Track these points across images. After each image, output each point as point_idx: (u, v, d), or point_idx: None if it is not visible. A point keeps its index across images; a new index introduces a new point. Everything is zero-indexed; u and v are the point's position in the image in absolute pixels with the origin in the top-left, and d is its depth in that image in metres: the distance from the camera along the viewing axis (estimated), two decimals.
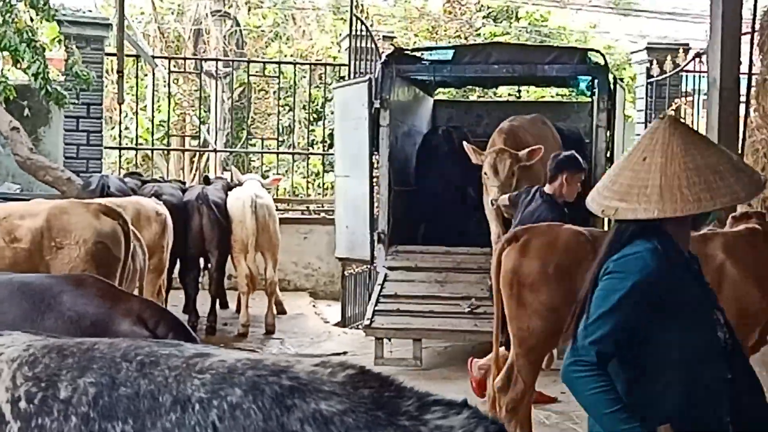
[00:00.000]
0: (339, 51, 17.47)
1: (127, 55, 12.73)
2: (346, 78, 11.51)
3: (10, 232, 6.42)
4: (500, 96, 17.19)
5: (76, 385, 1.89)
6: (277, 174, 14.36)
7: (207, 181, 10.65)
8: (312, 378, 1.80)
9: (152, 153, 14.42)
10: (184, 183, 11.14)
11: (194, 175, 16.70)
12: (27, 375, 1.97)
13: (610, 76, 9.79)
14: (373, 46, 11.12)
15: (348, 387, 1.78)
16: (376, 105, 9.51)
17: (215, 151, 14.87)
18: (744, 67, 9.06)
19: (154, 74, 15.47)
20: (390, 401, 1.76)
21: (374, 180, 9.84)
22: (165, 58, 15.34)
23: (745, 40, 9.08)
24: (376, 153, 9.72)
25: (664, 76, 13.31)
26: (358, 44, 10.91)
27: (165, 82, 15.48)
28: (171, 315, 3.93)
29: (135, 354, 1.94)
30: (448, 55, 10.00)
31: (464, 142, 8.87)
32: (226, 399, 1.79)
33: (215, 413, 1.78)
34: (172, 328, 3.65)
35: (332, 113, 13.94)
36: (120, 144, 13.50)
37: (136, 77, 14.34)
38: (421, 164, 10.84)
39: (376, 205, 9.79)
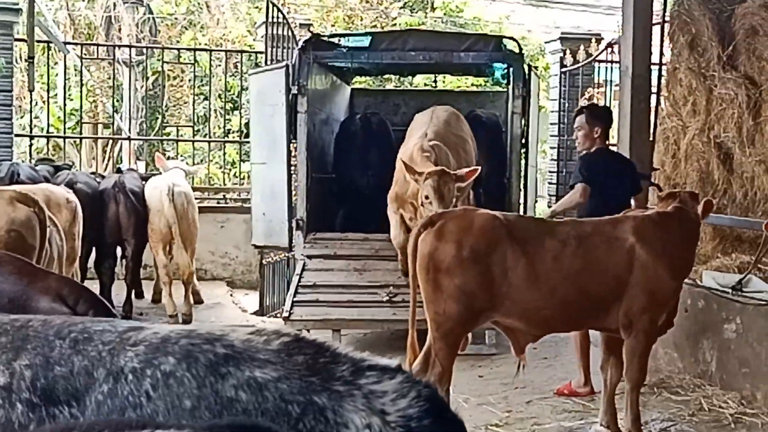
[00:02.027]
0: (255, 39, 17.34)
1: (38, 41, 12.46)
2: (263, 65, 11.45)
3: None
4: (417, 86, 17.30)
5: (13, 370, 1.86)
6: (193, 163, 14.23)
7: (119, 172, 10.51)
8: (247, 346, 1.80)
9: (64, 142, 14.13)
10: (102, 176, 10.92)
11: (107, 164, 16.43)
12: None
13: (525, 64, 9.92)
14: (290, 33, 11.06)
15: (283, 354, 1.79)
16: (294, 91, 9.46)
17: (129, 139, 14.62)
18: (655, 57, 9.27)
19: (65, 61, 15.15)
20: (325, 367, 1.77)
21: (292, 167, 9.80)
22: (77, 44, 15.03)
23: (656, 31, 9.29)
24: (293, 140, 9.67)
25: (577, 66, 13.52)
26: (275, 31, 10.84)
27: (77, 69, 15.19)
28: (90, 292, 3.88)
29: (69, 331, 1.91)
30: (365, 41, 10.00)
31: (401, 159, 8.39)
32: (160, 368, 1.78)
33: (148, 382, 1.77)
34: (93, 306, 3.60)
35: (248, 102, 13.85)
36: (31, 132, 13.20)
37: (47, 64, 14.04)
38: (339, 151, 10.85)
39: (293, 192, 9.75)
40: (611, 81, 13.47)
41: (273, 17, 10.69)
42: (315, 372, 1.75)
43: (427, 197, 7.82)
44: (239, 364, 1.76)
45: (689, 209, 6.19)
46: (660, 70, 9.38)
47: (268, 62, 10.74)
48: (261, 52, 12.60)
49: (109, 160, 16.67)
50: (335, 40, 10.26)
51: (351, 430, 1.70)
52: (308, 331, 8.76)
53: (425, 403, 1.74)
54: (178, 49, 15.37)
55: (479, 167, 8.27)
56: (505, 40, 10.21)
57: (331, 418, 1.70)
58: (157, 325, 1.91)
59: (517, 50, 9.96)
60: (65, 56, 14.57)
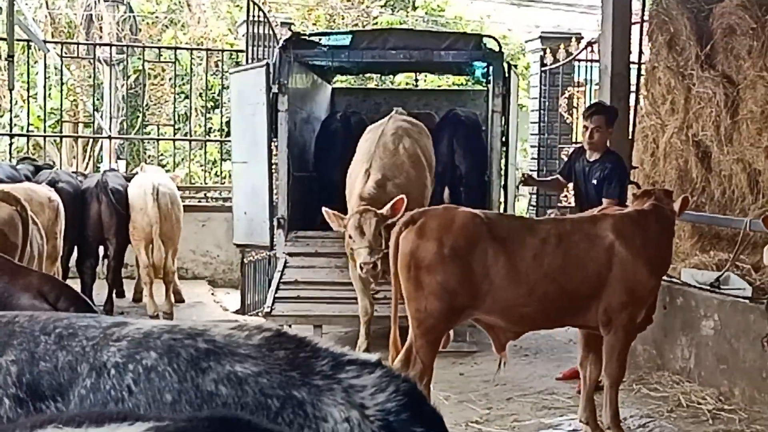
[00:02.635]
0: (235, 38, 17.33)
1: (17, 40, 12.40)
2: (244, 64, 11.44)
3: None
4: (398, 84, 17.34)
5: None
6: (174, 162, 14.22)
7: (101, 172, 10.49)
8: (228, 341, 1.83)
9: (45, 141, 14.07)
10: (84, 175, 10.90)
11: (87, 163, 16.39)
12: None
13: (505, 63, 9.96)
14: (271, 32, 11.06)
15: (264, 349, 1.81)
16: (274, 90, 9.45)
17: (110, 138, 14.58)
18: (634, 56, 9.34)
19: (45, 60, 15.10)
20: (305, 362, 1.80)
21: (273, 166, 9.80)
22: (58, 43, 14.98)
23: (635, 30, 9.35)
24: (274, 139, 9.67)
25: (557, 65, 13.58)
26: (256, 30, 10.84)
27: (56, 68, 15.13)
28: (71, 289, 3.89)
29: (54, 327, 1.93)
30: (346, 40, 10.01)
31: (324, 209, 8.09)
32: (142, 362, 1.80)
33: (130, 377, 1.79)
34: (73, 303, 3.61)
35: (229, 101, 13.83)
36: (11, 131, 13.14)
37: (27, 63, 13.98)
38: (320, 149, 10.86)
39: (275, 191, 9.76)
40: (591, 80, 13.54)
41: (254, 16, 10.68)
42: (295, 366, 1.78)
43: (350, 236, 7.88)
44: (220, 358, 1.78)
45: (665, 206, 6.25)
46: (639, 68, 9.45)
47: (249, 61, 10.74)
48: (242, 51, 12.59)
49: (89, 159, 16.63)
50: (316, 38, 10.25)
51: (330, 424, 1.72)
52: (290, 326, 8.80)
53: (403, 397, 1.77)
54: (159, 48, 15.32)
55: (404, 197, 7.91)
56: (485, 39, 10.23)
57: (310, 411, 1.73)
58: (141, 321, 1.94)
59: (497, 49, 9.99)
60: (45, 55, 14.51)
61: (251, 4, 10.57)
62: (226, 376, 1.75)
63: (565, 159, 9.19)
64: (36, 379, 1.85)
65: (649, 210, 6.20)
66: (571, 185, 8.00)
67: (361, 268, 7.79)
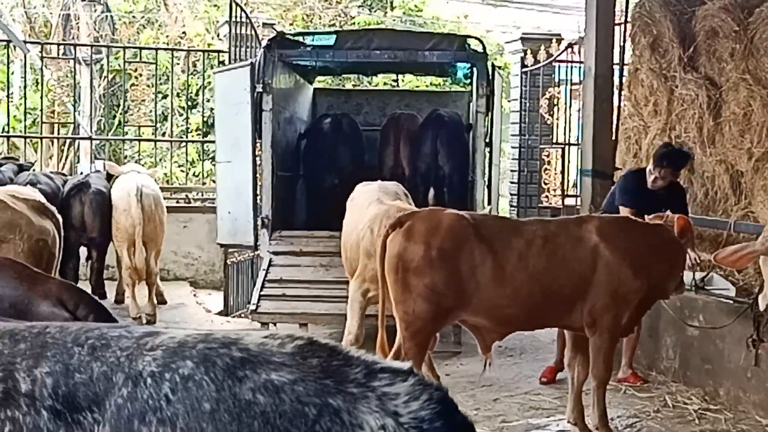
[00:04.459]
0: (213, 38, 17.27)
1: None
2: (225, 65, 11.42)
3: None
4: (377, 85, 17.36)
5: (34, 377, 1.87)
6: (156, 161, 14.16)
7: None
8: (262, 349, 1.83)
9: (25, 141, 13.98)
10: (65, 175, 10.82)
11: (64, 163, 16.28)
12: None
13: (489, 64, 10.00)
14: (253, 32, 11.06)
15: (297, 357, 1.81)
16: (259, 89, 9.45)
17: (90, 138, 14.49)
18: (617, 58, 9.40)
19: (26, 60, 14.98)
20: (338, 370, 1.80)
21: (257, 165, 9.79)
22: (37, 43, 14.88)
23: (618, 31, 9.42)
24: (258, 138, 9.67)
25: (538, 65, 13.63)
26: (238, 31, 10.83)
27: (33, 68, 15.03)
28: (90, 296, 3.88)
29: (86, 338, 1.92)
30: (330, 40, 10.01)
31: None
32: (178, 371, 1.80)
33: (167, 386, 1.79)
34: (93, 310, 3.60)
35: (208, 101, 13.81)
36: None
37: (8, 63, 13.87)
38: (310, 150, 10.89)
39: (258, 190, 9.75)
40: (569, 80, 13.61)
41: (236, 17, 10.67)
42: (329, 374, 1.78)
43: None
44: (255, 367, 1.78)
45: (670, 229, 6.26)
46: (621, 70, 9.52)
47: (232, 61, 10.72)
48: (222, 51, 12.58)
49: (66, 160, 16.52)
50: (300, 38, 10.24)
51: (366, 431, 1.73)
52: (275, 324, 8.79)
53: (437, 406, 1.78)
54: (140, 48, 15.25)
55: None
56: (469, 40, 10.27)
57: (347, 419, 1.73)
58: (173, 330, 1.93)
59: (480, 50, 10.02)
60: (26, 55, 14.41)
61: (233, 4, 10.56)
62: (263, 384, 1.75)
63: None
64: (72, 391, 1.84)
65: (644, 222, 6.28)
66: None
67: None
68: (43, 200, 8.17)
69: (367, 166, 10.78)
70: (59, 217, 6.88)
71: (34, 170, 10.52)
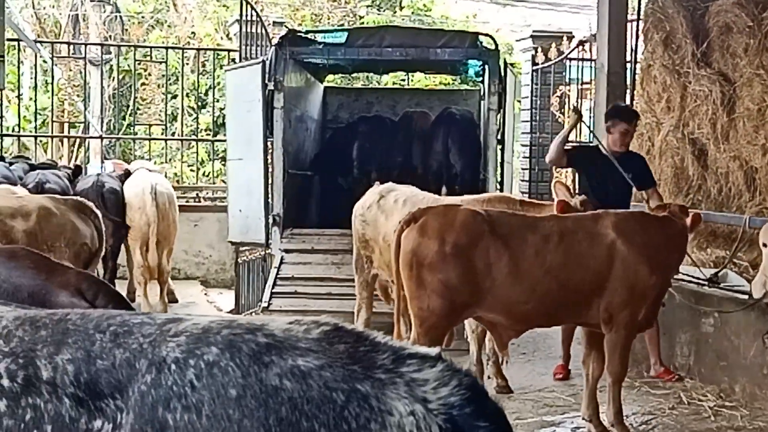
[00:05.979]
0: (222, 38, 17.28)
1: (8, 40, 12.30)
2: (235, 63, 11.41)
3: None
4: (385, 84, 17.32)
5: (55, 364, 1.84)
6: (166, 161, 14.15)
7: (78, 170, 10.42)
8: (287, 335, 1.80)
9: (36, 141, 13.98)
10: (78, 168, 10.82)
11: (74, 163, 16.26)
12: (3, 350, 1.92)
13: (501, 61, 9.96)
14: (264, 31, 11.04)
15: (324, 343, 1.79)
16: (270, 87, 9.44)
17: (101, 137, 14.49)
18: (629, 54, 9.36)
19: (37, 60, 15.00)
20: (366, 355, 1.77)
21: (268, 163, 9.78)
22: (48, 42, 14.88)
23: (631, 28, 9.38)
24: (269, 136, 9.65)
25: (549, 63, 13.57)
26: (249, 29, 10.81)
27: (43, 68, 15.04)
28: (109, 287, 3.87)
29: (108, 324, 1.90)
30: (342, 37, 9.99)
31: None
32: (203, 358, 1.77)
33: (192, 372, 1.76)
34: (111, 300, 3.58)
35: (217, 101, 13.80)
36: (0, 131, 13.03)
37: (18, 63, 13.89)
38: (331, 151, 10.93)
39: (270, 188, 9.74)
40: (579, 79, 13.55)
41: (247, 15, 10.66)
42: (356, 360, 1.75)
43: None
44: (282, 352, 1.76)
45: (677, 220, 6.24)
46: (634, 67, 9.46)
47: (242, 60, 10.71)
48: (232, 50, 12.55)
49: (75, 159, 16.52)
50: (311, 36, 10.22)
51: (395, 417, 1.70)
52: None
53: (466, 392, 1.75)
54: (151, 47, 15.24)
55: None
56: (481, 37, 10.23)
57: (375, 405, 1.70)
58: (197, 317, 1.90)
59: (492, 47, 9.98)
60: (36, 55, 14.42)
61: (244, 3, 10.55)
62: (290, 370, 1.73)
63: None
64: (94, 378, 1.81)
65: (657, 216, 6.24)
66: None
67: None
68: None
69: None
70: (99, 213, 6.95)
71: (56, 165, 10.52)
